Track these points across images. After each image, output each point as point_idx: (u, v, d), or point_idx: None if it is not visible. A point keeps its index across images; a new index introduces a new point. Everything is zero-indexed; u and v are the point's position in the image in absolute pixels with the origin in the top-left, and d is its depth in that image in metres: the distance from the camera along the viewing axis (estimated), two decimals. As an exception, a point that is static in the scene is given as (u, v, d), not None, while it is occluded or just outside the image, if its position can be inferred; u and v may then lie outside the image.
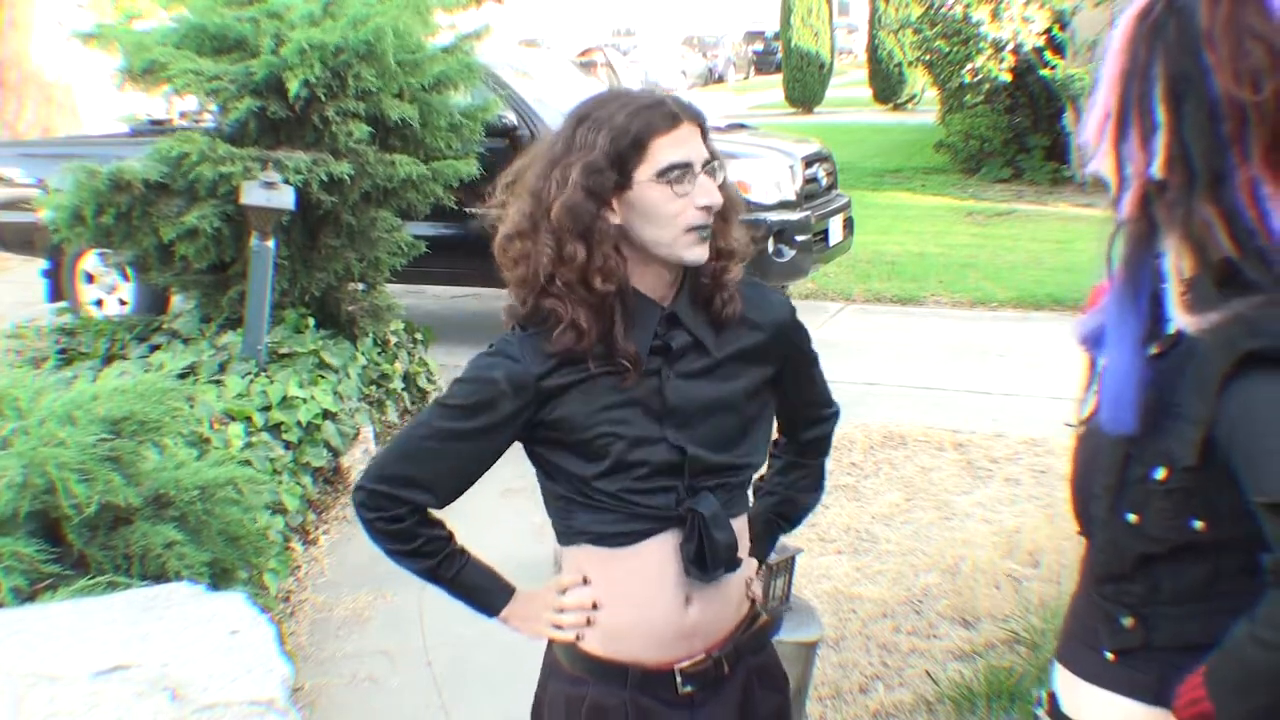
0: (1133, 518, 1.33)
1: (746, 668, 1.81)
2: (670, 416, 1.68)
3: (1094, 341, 1.41)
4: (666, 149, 1.62)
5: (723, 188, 1.68)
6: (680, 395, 1.69)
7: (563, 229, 1.62)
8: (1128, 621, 1.36)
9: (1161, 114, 1.27)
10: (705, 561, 1.69)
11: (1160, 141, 1.27)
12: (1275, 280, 1.22)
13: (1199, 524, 1.29)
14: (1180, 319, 1.28)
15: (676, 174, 1.62)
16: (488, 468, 1.75)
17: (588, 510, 1.69)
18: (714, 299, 1.71)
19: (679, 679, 1.73)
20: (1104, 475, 1.36)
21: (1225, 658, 1.23)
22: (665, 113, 1.63)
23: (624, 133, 1.61)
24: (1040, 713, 1.51)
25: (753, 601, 1.86)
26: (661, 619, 1.71)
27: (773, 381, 1.80)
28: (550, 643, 1.82)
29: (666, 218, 1.63)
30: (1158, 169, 1.28)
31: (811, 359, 1.87)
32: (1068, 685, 1.45)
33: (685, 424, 1.69)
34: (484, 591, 1.83)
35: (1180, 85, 1.26)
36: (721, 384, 1.71)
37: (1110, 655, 1.38)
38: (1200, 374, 1.24)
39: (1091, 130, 1.35)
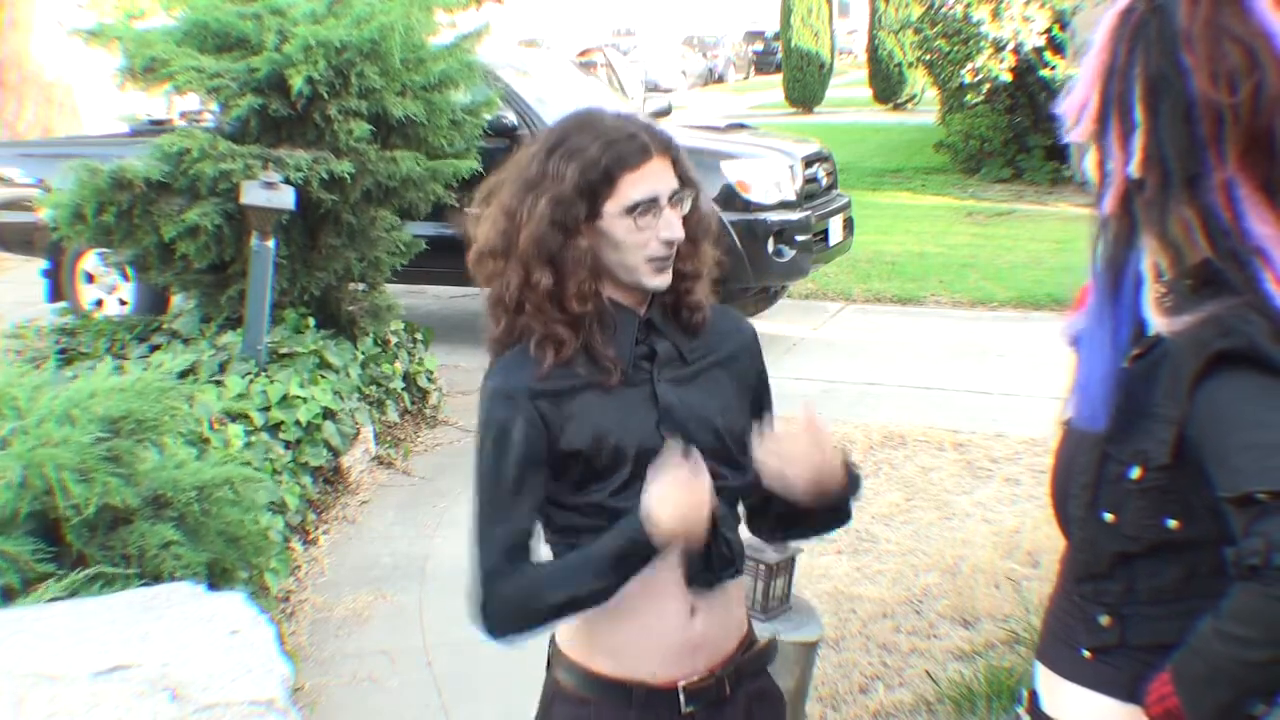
0: (1109, 517, 1.34)
1: (746, 692, 1.81)
2: (666, 418, 1.70)
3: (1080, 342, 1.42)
4: (635, 184, 1.66)
5: (694, 211, 1.73)
6: (672, 398, 1.72)
7: (530, 257, 1.67)
8: (1105, 620, 1.37)
9: (1140, 114, 1.28)
10: (712, 564, 1.70)
11: (1138, 141, 1.28)
12: (1248, 281, 1.23)
13: (1173, 523, 1.30)
14: (1155, 320, 1.29)
15: (642, 208, 1.66)
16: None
17: (594, 533, 1.69)
18: (680, 312, 1.76)
19: (682, 698, 1.73)
20: (1081, 474, 1.37)
21: (1192, 654, 1.24)
22: (636, 147, 1.66)
23: (594, 165, 1.65)
24: (1020, 711, 1.51)
25: (750, 624, 1.86)
26: (668, 631, 1.71)
27: (751, 403, 1.82)
28: (551, 665, 1.82)
29: (630, 248, 1.67)
30: (1135, 168, 1.29)
31: (767, 386, 1.89)
32: (1048, 684, 1.46)
33: (681, 427, 1.71)
34: (615, 534, 1.64)
35: (1158, 85, 1.27)
36: (706, 389, 1.75)
37: (1087, 653, 1.39)
38: (1173, 374, 1.25)
39: (1069, 113, 1.36)
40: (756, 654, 1.84)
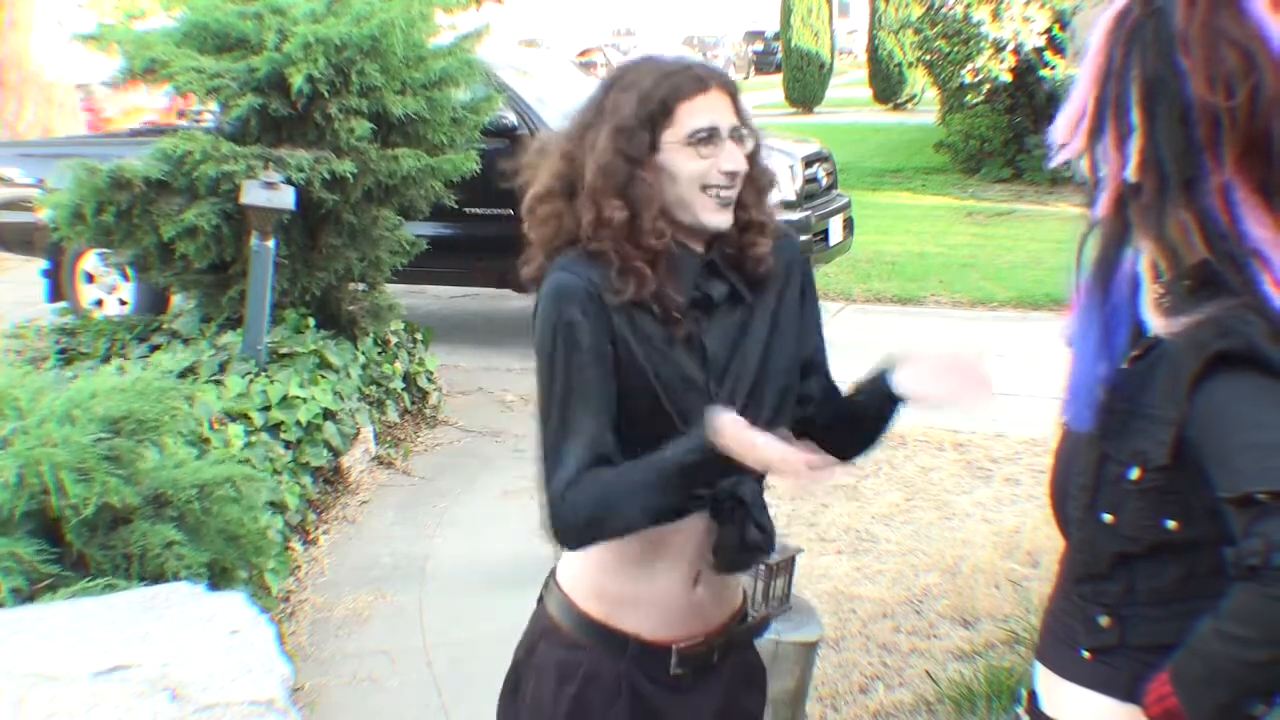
0: (1108, 518, 1.34)
1: (733, 662, 1.81)
2: (712, 366, 1.68)
3: None
4: (693, 114, 1.63)
5: (754, 159, 1.69)
6: (720, 347, 1.69)
7: (598, 191, 1.63)
8: (1104, 621, 1.37)
9: (1137, 117, 1.28)
10: (747, 546, 1.66)
11: (1135, 144, 1.28)
12: (1246, 283, 1.23)
13: (1172, 524, 1.30)
14: (1153, 321, 1.30)
15: (703, 137, 1.63)
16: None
17: None
18: (744, 263, 1.72)
19: (674, 659, 1.73)
20: (1080, 475, 1.38)
21: (1191, 654, 1.24)
22: (692, 76, 1.64)
23: (651, 97, 1.63)
24: (1020, 711, 1.52)
25: (744, 599, 1.86)
26: (672, 593, 1.71)
27: (797, 336, 1.78)
28: (545, 599, 1.80)
29: (687, 178, 1.64)
30: (1132, 172, 1.29)
31: (816, 300, 1.84)
32: (1047, 684, 1.46)
33: (725, 376, 1.69)
34: (685, 447, 1.57)
35: (1155, 88, 1.26)
36: (763, 332, 1.72)
37: (1086, 654, 1.39)
38: (1172, 375, 1.25)
39: (1063, 128, 1.36)
40: (749, 628, 1.86)
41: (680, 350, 1.67)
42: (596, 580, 1.74)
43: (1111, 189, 1.31)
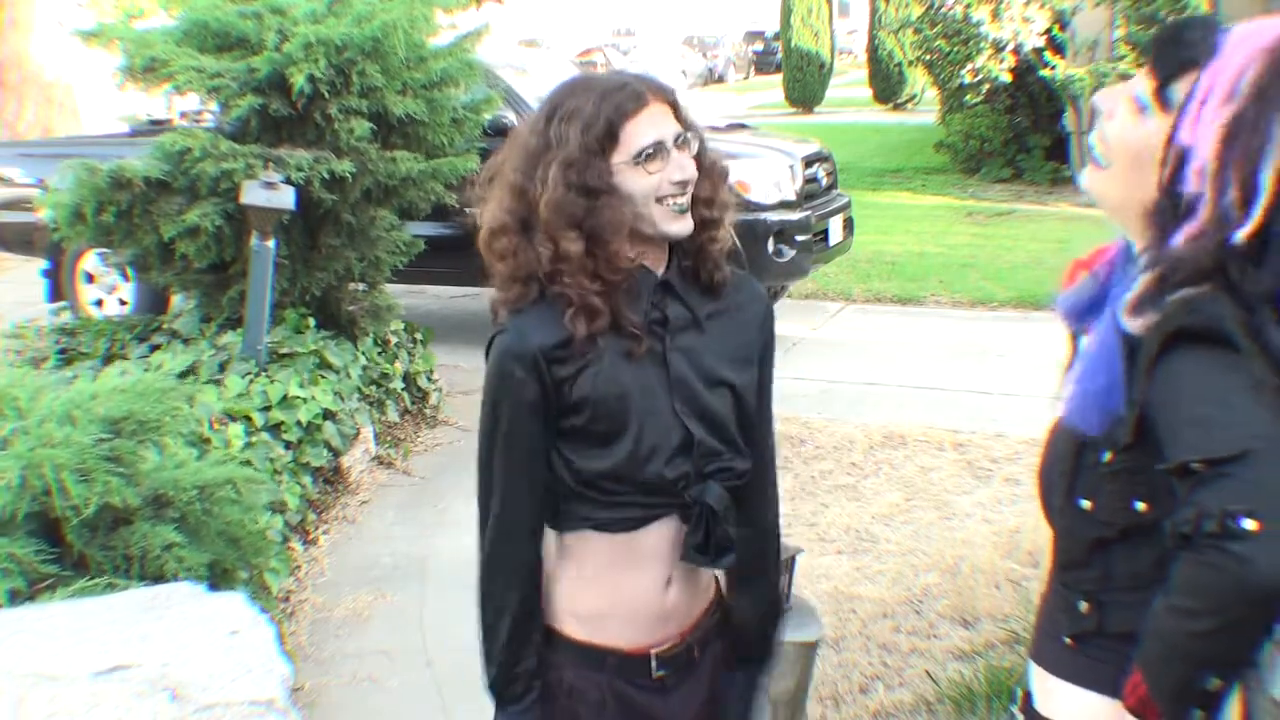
0: (1086, 504, 1.36)
1: (713, 654, 1.85)
2: (677, 388, 1.70)
3: (1078, 316, 1.43)
4: (636, 132, 1.65)
5: (700, 156, 1.71)
6: (682, 365, 1.71)
7: (555, 227, 1.64)
8: (1084, 607, 1.39)
9: (1269, 180, 1.22)
10: (709, 550, 1.70)
11: (1260, 207, 1.23)
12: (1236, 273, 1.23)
13: (1141, 505, 1.32)
14: (1126, 320, 1.29)
15: (649, 153, 1.65)
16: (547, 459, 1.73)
17: (595, 503, 1.71)
18: (700, 270, 1.74)
19: (654, 663, 1.76)
20: (1060, 463, 1.40)
21: (1148, 635, 1.24)
22: (631, 94, 1.66)
23: (595, 121, 1.64)
24: (1015, 710, 1.53)
25: (719, 588, 1.89)
26: (643, 601, 1.73)
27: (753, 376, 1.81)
28: None
29: (641, 195, 1.66)
30: (1242, 236, 1.24)
31: (772, 363, 1.88)
32: (1040, 683, 1.47)
33: (690, 398, 1.70)
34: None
35: None
36: (718, 358, 1.74)
37: (1068, 640, 1.40)
38: (1139, 359, 1.27)
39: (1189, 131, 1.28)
40: (719, 618, 1.87)
41: (644, 366, 1.68)
42: (566, 601, 1.77)
43: (1215, 238, 1.24)
